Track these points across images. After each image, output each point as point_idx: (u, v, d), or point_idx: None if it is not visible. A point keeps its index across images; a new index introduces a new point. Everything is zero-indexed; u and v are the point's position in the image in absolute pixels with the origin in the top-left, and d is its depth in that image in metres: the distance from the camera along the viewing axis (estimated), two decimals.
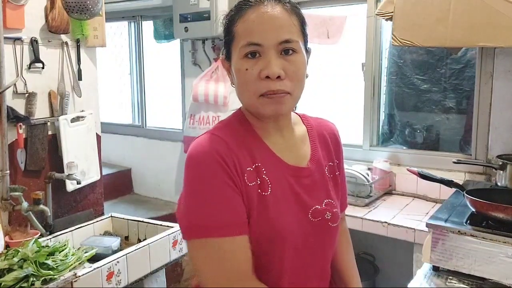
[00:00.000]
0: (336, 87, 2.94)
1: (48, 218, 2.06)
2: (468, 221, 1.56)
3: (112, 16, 3.21)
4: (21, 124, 2.04)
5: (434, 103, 2.58)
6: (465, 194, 1.58)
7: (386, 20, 2.01)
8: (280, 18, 0.92)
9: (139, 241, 2.17)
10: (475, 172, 2.29)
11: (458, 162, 2.06)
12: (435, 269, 1.56)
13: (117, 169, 3.68)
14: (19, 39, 2.03)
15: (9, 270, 1.58)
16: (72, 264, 1.72)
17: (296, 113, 1.11)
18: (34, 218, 2.00)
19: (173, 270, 2.84)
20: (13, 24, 1.99)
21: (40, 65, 2.12)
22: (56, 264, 1.66)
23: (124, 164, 3.75)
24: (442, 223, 1.55)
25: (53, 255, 1.71)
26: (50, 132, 2.22)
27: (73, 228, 2.12)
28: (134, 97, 3.78)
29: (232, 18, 0.97)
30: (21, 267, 1.59)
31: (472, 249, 1.47)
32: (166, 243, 2.02)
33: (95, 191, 2.47)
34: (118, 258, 1.78)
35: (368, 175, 2.40)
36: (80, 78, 2.32)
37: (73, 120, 2.26)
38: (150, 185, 3.63)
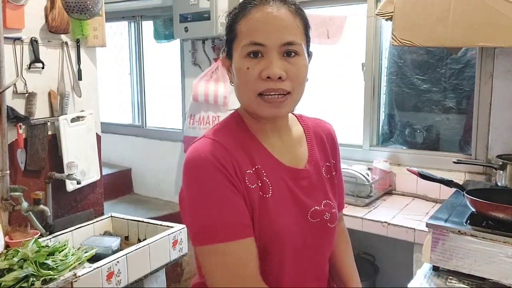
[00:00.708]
0: (336, 87, 2.94)
1: (48, 218, 2.06)
2: (468, 221, 1.56)
3: (112, 16, 3.21)
4: (21, 124, 2.04)
5: (434, 103, 2.58)
6: (465, 194, 1.58)
7: (386, 20, 2.01)
8: (284, 20, 0.92)
9: (139, 241, 2.17)
10: (475, 172, 2.29)
11: (458, 162, 2.06)
12: (435, 269, 1.56)
13: (117, 169, 3.68)
14: (19, 39, 2.03)
15: (9, 270, 1.58)
16: (72, 264, 1.72)
17: (293, 114, 1.11)
18: (34, 218, 2.00)
19: (173, 270, 2.84)
20: (13, 24, 1.99)
21: (40, 65, 2.12)
22: (56, 264, 1.66)
23: (124, 164, 3.75)
24: (442, 223, 1.55)
25: (53, 255, 1.71)
26: (50, 132, 2.22)
27: (73, 228, 2.12)
28: (134, 97, 3.78)
29: (235, 16, 0.97)
30: (21, 267, 1.59)
31: (472, 249, 1.47)
32: (166, 243, 2.03)
33: (95, 191, 2.47)
34: (118, 258, 1.78)
35: (368, 175, 2.40)
36: (80, 78, 2.32)
37: (73, 120, 2.26)
38: (150, 185, 3.63)
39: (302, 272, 1.00)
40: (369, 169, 2.51)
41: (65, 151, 2.20)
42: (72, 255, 1.77)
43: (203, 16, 2.81)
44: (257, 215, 0.92)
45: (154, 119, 3.73)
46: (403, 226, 2.03)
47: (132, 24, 3.73)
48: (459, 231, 1.50)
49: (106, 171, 3.17)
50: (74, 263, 1.73)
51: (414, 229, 1.99)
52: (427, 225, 1.57)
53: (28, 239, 1.84)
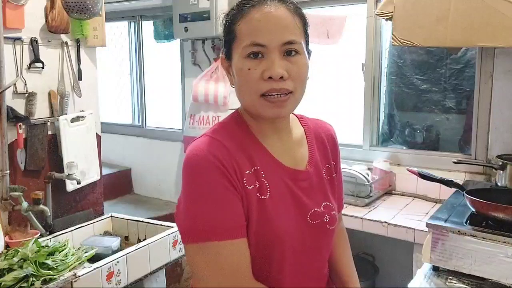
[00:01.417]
0: (336, 87, 2.94)
1: (48, 218, 2.06)
2: (468, 221, 1.56)
3: (112, 16, 3.21)
4: (21, 124, 2.04)
5: (434, 103, 2.58)
6: (465, 194, 1.58)
7: (386, 20, 2.01)
8: (284, 19, 0.92)
9: (139, 241, 2.17)
10: (475, 172, 2.29)
11: (458, 162, 2.06)
12: (435, 269, 1.56)
13: (117, 169, 3.68)
14: (19, 39, 2.03)
15: (9, 270, 1.58)
16: (72, 264, 1.72)
17: (294, 114, 1.10)
18: (34, 218, 2.00)
19: (173, 270, 2.84)
20: (13, 24, 1.99)
21: (40, 65, 2.12)
22: (56, 264, 1.66)
23: (124, 164, 3.75)
24: (442, 223, 1.55)
25: (53, 255, 1.71)
26: (50, 132, 2.22)
27: (73, 228, 2.12)
28: (134, 97, 3.78)
29: (233, 17, 0.96)
30: (21, 267, 1.59)
31: (472, 249, 1.47)
32: (166, 243, 2.02)
33: (95, 191, 2.47)
34: (118, 258, 1.78)
35: (368, 175, 2.40)
36: (80, 78, 2.32)
37: (73, 120, 2.26)
38: (150, 185, 3.63)
39: (301, 273, 1.00)
40: (369, 169, 2.51)
41: (65, 151, 2.20)
42: (72, 255, 1.77)
43: (203, 16, 2.81)
44: (255, 216, 0.92)
45: (154, 119, 3.73)
46: (403, 226, 2.03)
47: (132, 24, 3.73)
48: (459, 231, 1.50)
49: (106, 171, 3.16)
50: (74, 263, 1.73)
51: (414, 229, 1.99)
52: (427, 225, 1.57)
53: (28, 239, 1.84)
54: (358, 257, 2.56)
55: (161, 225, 2.17)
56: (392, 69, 2.68)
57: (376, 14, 2.05)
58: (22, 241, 1.84)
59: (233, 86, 0.99)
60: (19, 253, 1.65)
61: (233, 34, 0.95)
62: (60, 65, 2.24)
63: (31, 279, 1.57)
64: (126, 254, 1.82)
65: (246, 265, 0.90)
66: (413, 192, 2.47)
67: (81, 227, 2.16)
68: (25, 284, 1.55)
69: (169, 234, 2.04)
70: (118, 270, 1.77)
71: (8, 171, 1.99)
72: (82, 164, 2.28)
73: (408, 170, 1.83)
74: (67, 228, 2.10)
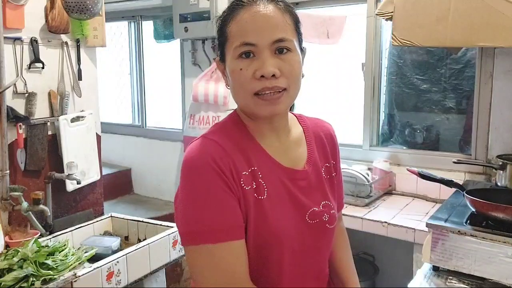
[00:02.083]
0: (336, 87, 2.94)
1: (48, 218, 2.06)
2: (468, 221, 1.56)
3: (112, 16, 3.21)
4: (21, 124, 2.04)
5: (434, 103, 2.58)
6: (465, 194, 1.58)
7: (386, 20, 2.01)
8: (273, 17, 0.92)
9: (139, 241, 2.17)
10: (475, 172, 2.29)
11: (458, 162, 2.06)
12: (435, 269, 1.56)
13: (117, 169, 3.68)
14: (19, 39, 2.03)
15: (9, 270, 1.58)
16: (72, 264, 1.72)
17: (293, 113, 1.11)
18: (34, 218, 2.00)
19: (173, 270, 2.84)
20: (13, 24, 1.99)
21: (40, 65, 2.12)
22: (56, 264, 1.66)
23: (124, 164, 3.75)
24: (442, 223, 1.55)
25: (53, 255, 1.71)
26: (50, 132, 2.22)
27: (73, 228, 2.12)
28: (134, 97, 3.78)
29: (225, 19, 0.97)
30: (21, 267, 1.59)
31: (472, 249, 1.47)
32: (166, 243, 2.02)
33: (95, 191, 2.47)
34: (118, 258, 1.78)
35: (368, 175, 2.40)
36: (80, 78, 2.32)
37: (73, 120, 2.26)
38: (150, 185, 3.63)
39: (301, 273, 1.00)
40: (369, 169, 2.51)
41: (65, 151, 2.20)
42: (72, 255, 1.77)
43: (203, 16, 2.81)
44: (253, 217, 0.92)
45: (154, 119, 3.73)
46: (403, 226, 2.03)
47: (132, 24, 3.73)
48: (459, 231, 1.50)
49: (106, 171, 3.16)
50: (74, 263, 1.73)
51: (414, 229, 1.99)
52: (427, 225, 1.57)
53: (28, 239, 1.84)
54: (358, 257, 2.56)
55: (161, 225, 2.17)
56: (392, 69, 2.68)
57: (376, 14, 2.05)
58: (22, 241, 1.84)
59: (228, 87, 0.99)
60: (19, 253, 1.64)
61: (225, 36, 0.96)
62: (60, 65, 2.24)
63: (31, 279, 1.57)
64: (126, 254, 1.82)
65: (242, 267, 0.90)
66: (413, 192, 2.47)
67: (81, 227, 2.16)
68: (25, 284, 1.55)
69: (169, 234, 2.04)
70: (118, 270, 1.77)
71: (8, 171, 1.99)
72: (82, 164, 2.28)
73: (408, 170, 1.83)
74: (67, 228, 2.10)
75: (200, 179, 0.89)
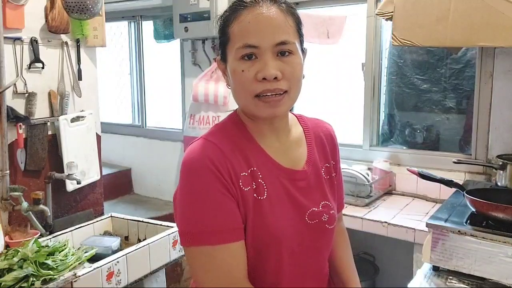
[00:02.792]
0: (336, 87, 2.94)
1: (48, 218, 2.06)
2: (468, 221, 1.56)
3: (112, 16, 3.21)
4: (21, 124, 2.04)
5: (434, 103, 2.58)
6: (465, 194, 1.58)
7: (386, 20, 2.01)
8: (276, 19, 0.92)
9: (139, 241, 2.17)
10: (475, 172, 2.29)
11: (458, 162, 2.06)
12: (435, 269, 1.56)
13: (117, 169, 3.68)
14: (19, 39, 2.03)
15: (9, 270, 1.58)
16: (72, 264, 1.72)
17: (293, 114, 1.11)
18: (34, 218, 2.00)
19: (173, 270, 2.84)
20: (13, 24, 1.99)
21: (40, 65, 2.12)
22: (56, 264, 1.66)
23: (124, 164, 3.75)
24: (442, 223, 1.55)
25: (53, 255, 1.71)
26: (50, 132, 2.22)
27: (73, 228, 2.12)
28: (134, 97, 3.78)
29: (227, 19, 0.97)
30: (21, 267, 1.59)
31: (472, 249, 1.47)
32: (166, 243, 2.02)
33: (95, 191, 2.47)
34: (118, 258, 1.78)
35: (368, 175, 2.40)
36: (80, 78, 2.32)
37: (73, 120, 2.26)
38: (150, 185, 3.63)
39: (301, 273, 1.00)
40: (369, 169, 2.51)
41: (65, 151, 2.20)
42: (72, 255, 1.77)
43: (203, 16, 2.81)
44: (252, 217, 0.92)
45: (154, 119, 3.73)
46: (403, 226, 2.03)
47: (132, 24, 3.73)
48: (459, 231, 1.50)
49: (106, 171, 3.17)
50: (74, 263, 1.73)
51: (414, 229, 1.99)
52: (427, 225, 1.57)
53: (28, 239, 1.84)
54: (358, 257, 2.56)
55: (161, 225, 2.17)
56: (392, 69, 2.68)
57: (376, 14, 2.05)
58: (22, 241, 1.84)
59: (229, 87, 0.99)
60: (19, 253, 1.64)
61: (227, 36, 0.96)
62: (60, 65, 2.24)
63: (31, 279, 1.57)
64: (126, 254, 1.82)
65: (240, 268, 0.90)
66: (413, 192, 2.47)
67: (81, 227, 2.16)
68: (25, 284, 1.55)
69: (169, 234, 2.04)
70: (118, 270, 1.77)
71: (8, 171, 1.99)
72: (82, 164, 2.28)
73: (408, 170, 1.83)
74: (67, 228, 2.10)
75: (199, 181, 0.90)
